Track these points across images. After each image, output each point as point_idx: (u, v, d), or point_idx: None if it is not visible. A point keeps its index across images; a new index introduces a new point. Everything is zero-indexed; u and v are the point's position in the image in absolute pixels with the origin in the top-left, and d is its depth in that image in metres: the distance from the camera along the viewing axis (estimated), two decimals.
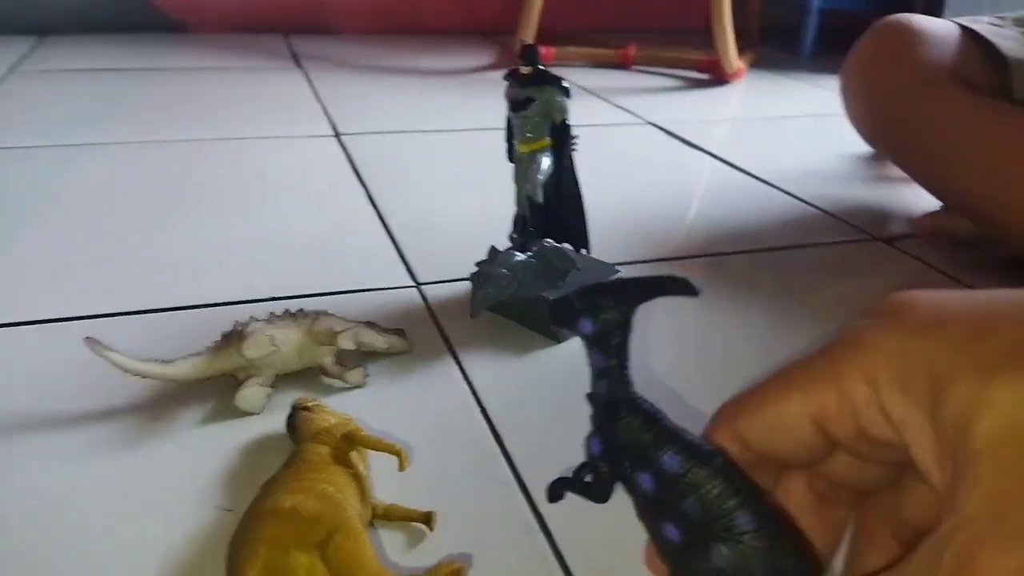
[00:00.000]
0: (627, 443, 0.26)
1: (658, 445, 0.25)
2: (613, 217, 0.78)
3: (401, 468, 0.37)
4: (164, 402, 0.47)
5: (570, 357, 0.54)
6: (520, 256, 0.55)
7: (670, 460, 0.25)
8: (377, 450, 0.38)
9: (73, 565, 0.35)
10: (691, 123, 1.15)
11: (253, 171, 0.87)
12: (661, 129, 1.12)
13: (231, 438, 0.44)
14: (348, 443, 0.37)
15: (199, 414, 0.46)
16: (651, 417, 0.26)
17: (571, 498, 0.30)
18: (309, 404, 0.43)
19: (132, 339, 0.51)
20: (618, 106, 1.23)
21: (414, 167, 0.91)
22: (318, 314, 0.50)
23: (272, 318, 0.48)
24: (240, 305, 0.58)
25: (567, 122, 0.55)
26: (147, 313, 0.57)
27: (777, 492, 0.26)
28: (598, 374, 0.27)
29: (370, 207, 0.78)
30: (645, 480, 0.25)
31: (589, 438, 0.28)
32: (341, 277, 0.64)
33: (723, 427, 0.25)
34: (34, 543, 0.36)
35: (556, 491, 0.29)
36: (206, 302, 0.59)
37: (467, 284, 0.55)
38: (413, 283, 0.64)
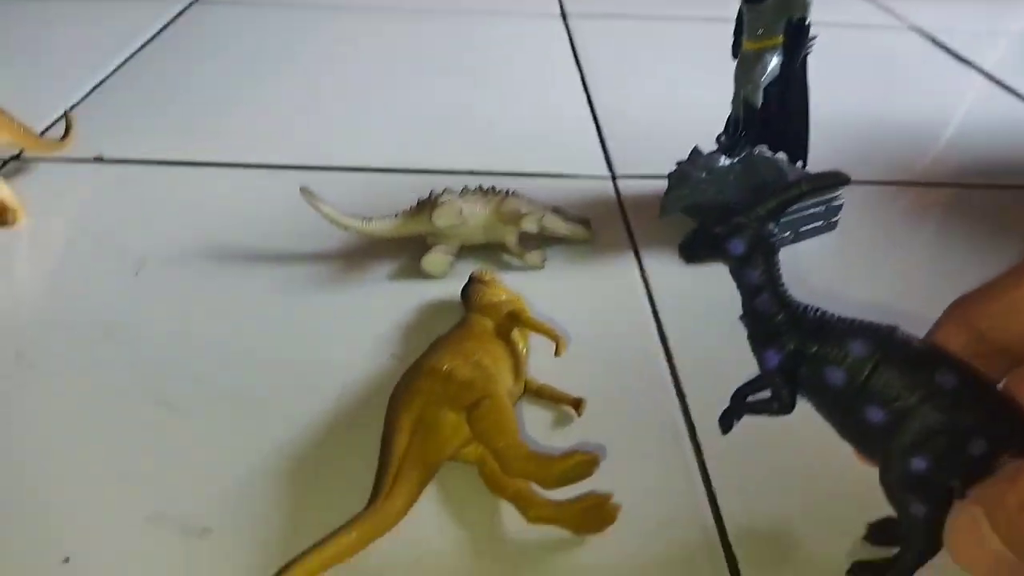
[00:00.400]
0: (803, 348, 0.27)
1: (840, 338, 0.27)
2: (847, 131, 0.70)
3: (557, 354, 0.37)
4: (360, 255, 0.50)
5: None
6: (725, 161, 0.51)
7: (857, 348, 0.26)
8: (538, 332, 0.38)
9: (264, 387, 0.40)
10: (965, 33, 0.99)
11: (474, 45, 0.88)
12: (925, 36, 0.98)
13: (412, 295, 0.47)
14: (511, 321, 0.38)
15: (388, 270, 0.49)
16: (821, 317, 0.28)
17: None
18: (486, 277, 0.44)
19: (341, 193, 0.55)
20: (876, 3, 1.09)
21: (635, 54, 0.88)
22: (508, 193, 0.51)
23: (464, 192, 0.50)
24: (439, 175, 0.61)
25: (806, 20, 0.49)
26: (357, 171, 0.61)
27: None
28: (755, 290, 0.28)
29: (582, 92, 0.77)
30: (834, 375, 0.26)
31: (763, 353, 0.28)
32: (539, 160, 0.64)
33: (953, 318, 0.26)
34: (227, 365, 0.42)
35: (728, 421, 0.30)
36: (409, 167, 0.62)
37: (664, 183, 0.53)
38: (609, 174, 0.63)
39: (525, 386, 0.38)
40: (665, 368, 0.42)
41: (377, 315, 0.45)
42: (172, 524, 0.32)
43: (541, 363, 0.41)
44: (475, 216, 0.49)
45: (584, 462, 0.29)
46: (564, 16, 0.98)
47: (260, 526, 0.32)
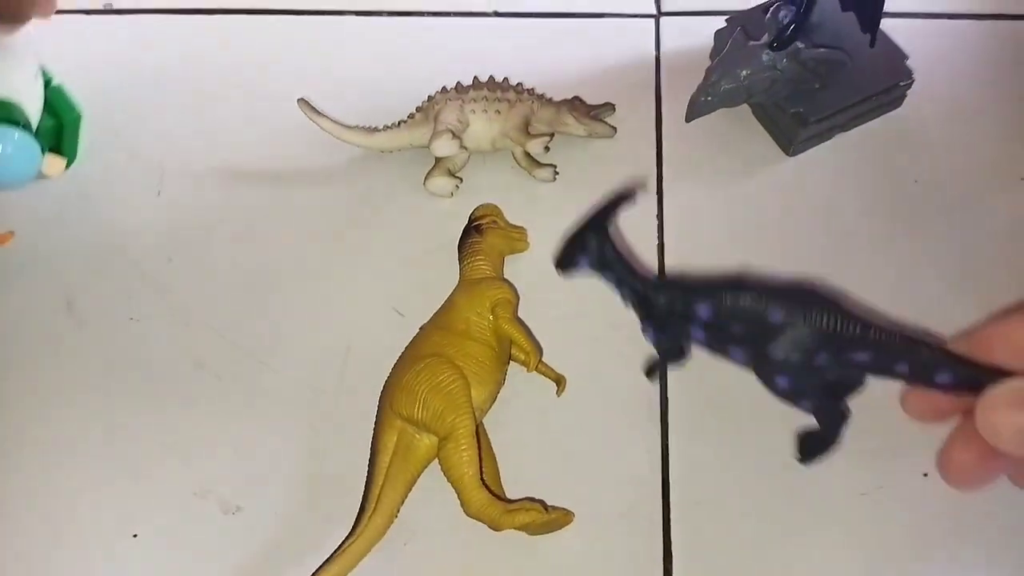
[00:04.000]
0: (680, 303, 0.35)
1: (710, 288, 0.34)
2: None
3: (528, 369, 0.40)
4: (368, 172, 0.49)
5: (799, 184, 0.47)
6: (768, 58, 0.44)
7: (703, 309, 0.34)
8: (519, 348, 0.40)
9: (282, 348, 0.44)
10: None
11: None
12: None
13: (424, 215, 0.47)
14: (496, 322, 0.39)
15: (398, 187, 0.48)
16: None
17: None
18: (483, 220, 0.43)
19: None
20: None
21: None
22: (518, 94, 0.46)
23: (465, 94, 0.46)
24: (460, 17, 0.55)
25: None
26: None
27: None
28: (616, 285, 0.36)
29: None
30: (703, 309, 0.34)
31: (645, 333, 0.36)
32: None
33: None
34: (248, 324, 0.45)
35: (651, 371, 0.41)
36: (431, 8, 0.55)
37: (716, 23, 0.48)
38: (655, 11, 0.54)
39: (511, 357, 0.41)
40: None
41: (383, 250, 0.46)
42: (214, 501, 0.39)
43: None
44: (476, 138, 0.46)
45: (534, 524, 0.34)
46: None
47: (282, 503, 0.39)
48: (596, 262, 0.35)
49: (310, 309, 0.45)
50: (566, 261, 0.36)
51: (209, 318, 0.44)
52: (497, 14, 0.55)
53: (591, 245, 0.35)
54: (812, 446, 0.37)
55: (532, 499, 0.36)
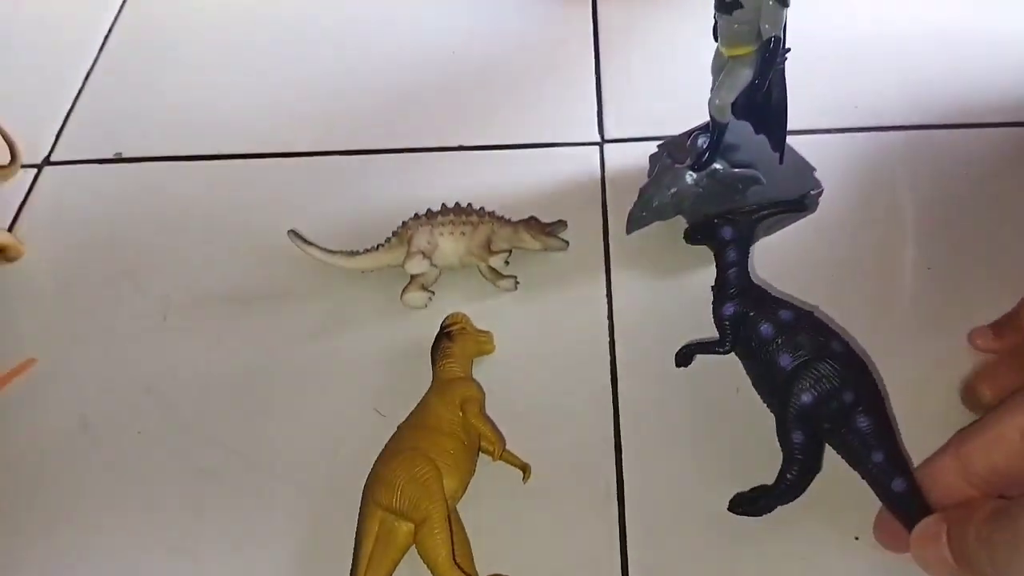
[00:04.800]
0: (746, 310, 0.43)
1: (773, 307, 0.42)
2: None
3: (495, 456, 0.45)
4: (350, 289, 0.55)
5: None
6: (692, 179, 0.51)
7: (784, 315, 0.42)
8: (479, 433, 0.45)
9: (274, 448, 0.49)
10: None
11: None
12: None
13: (400, 328, 0.53)
14: (465, 417, 0.45)
15: (375, 301, 0.54)
16: (764, 292, 0.44)
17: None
18: (454, 327, 0.49)
19: (332, 178, 0.58)
20: None
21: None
22: (480, 217, 0.53)
23: (434, 219, 0.53)
24: (429, 152, 0.63)
25: (778, 39, 0.46)
26: (340, 155, 0.63)
27: None
28: (728, 266, 0.44)
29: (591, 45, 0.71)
30: (766, 329, 0.41)
31: (721, 307, 0.44)
32: (531, 124, 0.64)
33: (950, 451, 0.35)
34: (244, 426, 0.50)
35: (684, 356, 0.46)
36: (395, 147, 0.63)
37: (650, 147, 0.57)
38: (599, 139, 0.62)
39: (480, 449, 0.46)
40: (610, 411, 0.48)
41: (365, 357, 0.52)
42: None
43: (496, 409, 0.47)
44: (445, 255, 0.52)
45: None
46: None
47: None
48: (735, 238, 0.44)
49: (301, 414, 0.50)
50: (707, 227, 0.45)
51: (210, 428, 0.49)
52: (462, 148, 0.63)
53: (742, 225, 0.44)
54: (763, 499, 0.41)
55: (500, 575, 0.40)
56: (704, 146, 0.52)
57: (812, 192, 0.54)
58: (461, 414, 0.45)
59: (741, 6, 0.45)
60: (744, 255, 0.44)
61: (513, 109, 0.66)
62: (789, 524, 0.42)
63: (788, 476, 0.40)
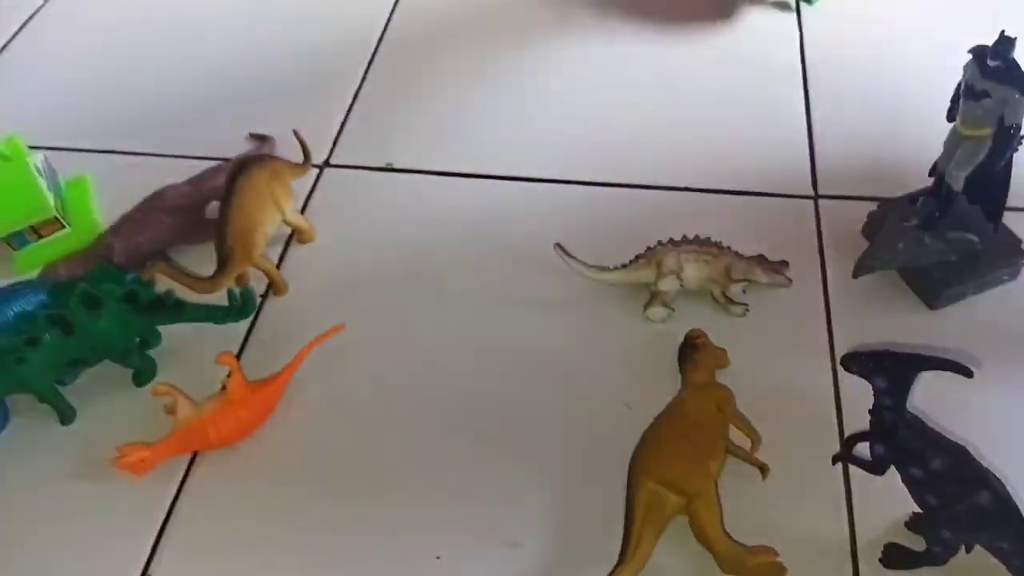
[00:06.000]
0: (905, 454, 0.46)
1: (924, 452, 0.46)
2: None
3: (753, 449, 0.52)
4: (598, 301, 0.64)
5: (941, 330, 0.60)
6: (920, 235, 0.59)
7: (937, 463, 0.45)
8: (739, 428, 0.52)
9: (541, 423, 0.58)
10: None
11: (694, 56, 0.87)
12: None
13: (641, 336, 0.61)
14: (720, 410, 0.52)
15: (622, 312, 0.63)
16: (921, 430, 0.46)
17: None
18: (698, 340, 0.57)
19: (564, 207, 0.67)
20: None
21: (877, 62, 0.82)
22: (720, 250, 0.61)
23: (681, 246, 0.61)
24: (657, 191, 0.72)
25: (1018, 126, 0.53)
26: (579, 184, 0.73)
27: None
28: (882, 407, 0.46)
29: (802, 96, 0.79)
30: (916, 472, 0.46)
31: (874, 447, 0.47)
32: (744, 173, 0.72)
33: None
34: (514, 397, 0.59)
35: (837, 459, 0.51)
36: (631, 182, 0.73)
37: (865, 206, 0.63)
38: (812, 194, 0.70)
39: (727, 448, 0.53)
40: (835, 437, 0.55)
41: (610, 357, 0.61)
42: (501, 537, 0.52)
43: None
44: (691, 279, 0.61)
45: (766, 564, 0.46)
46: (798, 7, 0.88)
47: (559, 539, 0.51)
48: (888, 390, 0.45)
49: (560, 398, 0.59)
50: (863, 367, 0.46)
51: (483, 401, 0.59)
52: (688, 189, 0.72)
53: (899, 376, 0.45)
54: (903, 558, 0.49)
55: (764, 546, 0.48)
56: (932, 209, 0.59)
57: (1021, 260, 0.61)
58: (716, 411, 0.52)
59: (989, 96, 0.53)
60: (899, 401, 0.46)
61: (732, 160, 0.74)
62: None
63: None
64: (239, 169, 0.63)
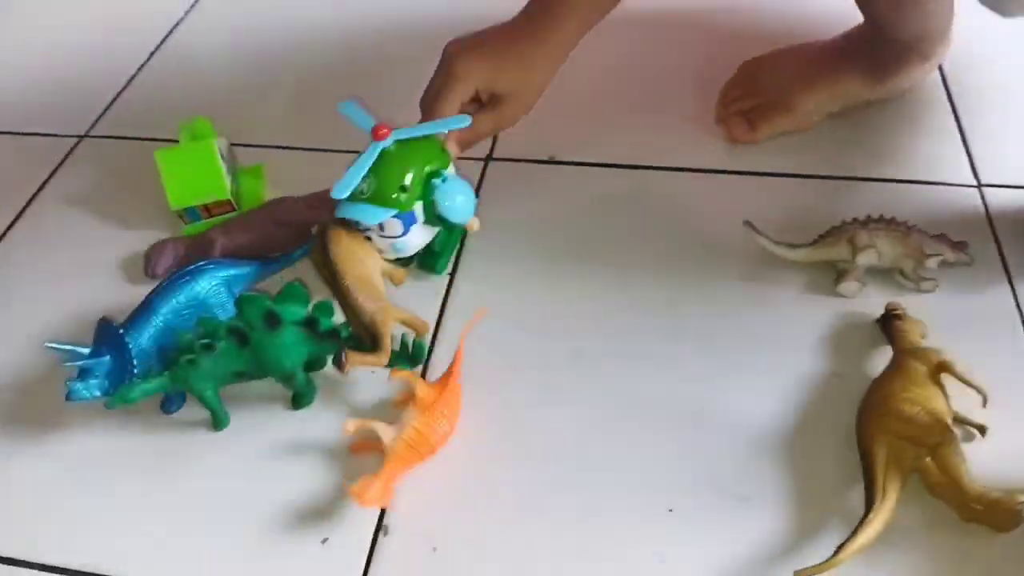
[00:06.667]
0: None
1: None
2: None
3: (984, 405, 0.54)
4: (787, 276, 0.66)
5: None
6: None
7: None
8: (967, 384, 0.54)
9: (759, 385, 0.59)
10: None
11: None
12: None
13: (828, 309, 0.63)
14: (942, 369, 0.54)
15: (800, 285, 0.65)
16: None
17: None
18: (899, 311, 0.59)
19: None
20: None
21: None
22: (909, 229, 0.63)
23: (868, 224, 0.63)
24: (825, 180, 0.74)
25: None
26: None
27: None
28: None
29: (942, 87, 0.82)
30: None
31: None
32: (900, 163, 0.74)
33: None
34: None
35: None
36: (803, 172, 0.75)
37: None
38: (975, 183, 0.72)
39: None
40: None
41: (802, 327, 0.62)
42: (727, 493, 0.53)
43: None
44: (886, 254, 0.63)
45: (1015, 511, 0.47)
46: None
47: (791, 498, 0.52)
48: None
49: (757, 367, 0.61)
50: None
51: (659, 365, 0.61)
52: (855, 178, 0.74)
53: None
54: None
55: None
56: None
57: None
58: (935, 370, 0.54)
59: None
60: None
61: (891, 149, 0.76)
62: None
63: None
64: (323, 239, 0.61)
